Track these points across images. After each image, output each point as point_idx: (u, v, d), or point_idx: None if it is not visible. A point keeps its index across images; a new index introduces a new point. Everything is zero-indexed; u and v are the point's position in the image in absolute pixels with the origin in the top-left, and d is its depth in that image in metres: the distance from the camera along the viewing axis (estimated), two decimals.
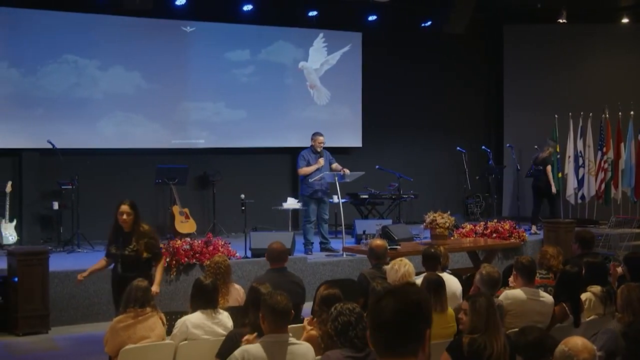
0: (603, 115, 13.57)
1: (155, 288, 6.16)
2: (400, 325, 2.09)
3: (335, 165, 10.38)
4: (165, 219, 11.31)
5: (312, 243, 10.28)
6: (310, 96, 13.05)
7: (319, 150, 10.28)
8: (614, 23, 14.31)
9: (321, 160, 10.17)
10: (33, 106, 10.83)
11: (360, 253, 8.88)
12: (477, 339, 4.30)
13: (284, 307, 4.19)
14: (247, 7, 12.07)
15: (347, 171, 10.29)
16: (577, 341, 3.47)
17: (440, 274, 5.81)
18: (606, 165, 13.48)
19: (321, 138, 10.30)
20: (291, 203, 11.38)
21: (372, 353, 4.16)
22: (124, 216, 6.38)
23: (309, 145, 10.41)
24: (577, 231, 7.92)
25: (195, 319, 5.11)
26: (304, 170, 10.20)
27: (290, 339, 4.24)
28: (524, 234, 10.98)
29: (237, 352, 4.14)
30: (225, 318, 5.20)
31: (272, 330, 4.20)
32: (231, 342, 4.56)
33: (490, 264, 9.23)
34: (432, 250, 6.51)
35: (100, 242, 10.62)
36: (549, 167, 12.55)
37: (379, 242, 6.97)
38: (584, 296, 6.00)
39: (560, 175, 13.67)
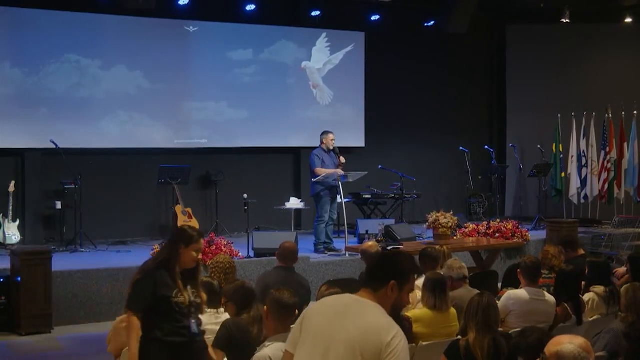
0: (606, 115, 13.56)
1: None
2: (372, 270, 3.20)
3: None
4: (168, 218, 11.31)
5: (323, 244, 10.23)
6: (312, 96, 13.05)
7: (331, 148, 10.23)
8: (617, 23, 14.28)
9: (342, 159, 10.15)
10: (36, 106, 10.84)
11: None
12: (470, 342, 4.31)
13: (290, 302, 4.09)
14: (250, 7, 12.06)
15: (342, 159, 10.22)
16: (577, 340, 3.40)
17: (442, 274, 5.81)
18: (609, 165, 13.47)
19: (332, 136, 10.25)
20: (294, 203, 11.38)
21: None
22: (200, 255, 4.48)
23: (317, 145, 10.36)
24: (564, 237, 7.91)
25: None
26: (321, 170, 10.06)
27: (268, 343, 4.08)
28: (527, 233, 10.96)
29: None
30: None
31: (277, 328, 4.06)
32: (225, 331, 4.54)
33: (493, 264, 9.29)
34: (430, 250, 6.50)
35: (103, 242, 10.69)
36: None
37: (370, 243, 7.08)
38: (587, 296, 5.99)
39: (563, 175, 13.67)
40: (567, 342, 3.07)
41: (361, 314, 2.99)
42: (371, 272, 3.17)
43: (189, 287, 4.37)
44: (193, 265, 4.41)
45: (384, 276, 3.08)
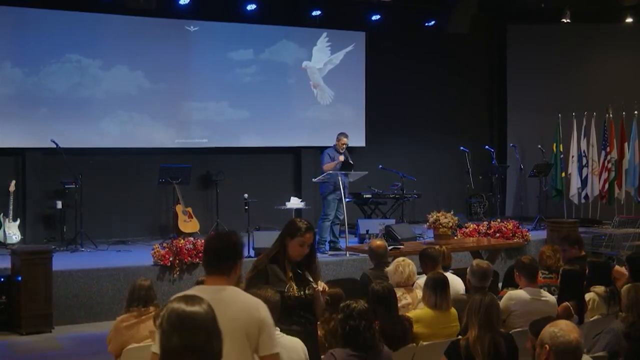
0: (607, 115, 13.56)
1: None
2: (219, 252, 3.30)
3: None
4: (169, 218, 11.31)
5: (326, 242, 10.27)
6: (313, 96, 13.04)
7: (341, 151, 10.40)
8: (617, 23, 14.28)
9: (341, 157, 10.31)
10: (36, 106, 10.85)
11: (364, 253, 8.88)
12: (470, 340, 4.30)
13: (272, 300, 3.98)
14: (251, 7, 12.06)
15: (341, 158, 10.35)
16: (560, 323, 3.37)
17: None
18: (610, 165, 13.46)
19: (344, 139, 10.43)
20: (294, 203, 11.37)
21: (376, 353, 4.13)
22: (306, 248, 4.40)
23: (320, 145, 10.44)
24: (567, 235, 7.88)
25: None
26: (328, 166, 10.27)
27: (279, 333, 4.01)
28: (527, 233, 10.96)
29: None
30: None
31: None
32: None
33: (493, 264, 9.27)
34: (430, 250, 6.50)
35: (104, 241, 10.69)
36: None
37: (378, 242, 6.98)
38: (587, 296, 5.99)
39: (563, 175, 13.66)
40: (547, 327, 3.15)
41: (233, 301, 3.15)
42: (221, 259, 3.28)
43: (308, 277, 4.36)
44: (300, 258, 4.36)
45: (234, 259, 3.29)
